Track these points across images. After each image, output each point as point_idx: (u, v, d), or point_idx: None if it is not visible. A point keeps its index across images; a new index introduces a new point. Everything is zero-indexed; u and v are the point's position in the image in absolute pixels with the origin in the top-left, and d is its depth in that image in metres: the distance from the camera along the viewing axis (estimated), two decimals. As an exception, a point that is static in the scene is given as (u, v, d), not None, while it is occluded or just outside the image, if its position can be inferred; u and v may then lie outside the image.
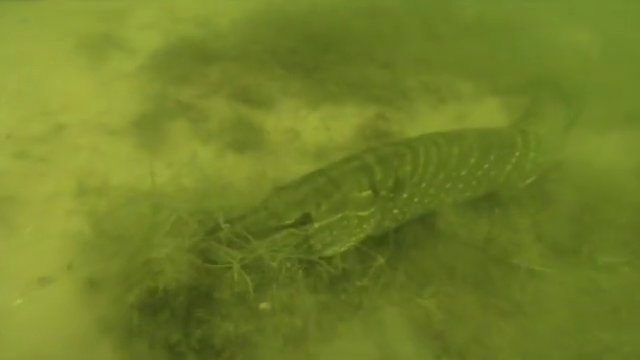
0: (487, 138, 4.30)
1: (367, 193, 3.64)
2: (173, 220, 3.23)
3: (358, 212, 3.61)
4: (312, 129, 5.64)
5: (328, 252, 3.55)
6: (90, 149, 4.86)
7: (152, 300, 3.23)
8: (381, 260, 3.53)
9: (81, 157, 4.77)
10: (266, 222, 3.35)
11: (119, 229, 3.51)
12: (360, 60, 6.61)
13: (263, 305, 3.34)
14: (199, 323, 3.30)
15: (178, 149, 4.93)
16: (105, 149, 4.90)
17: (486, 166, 4.24)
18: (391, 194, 3.74)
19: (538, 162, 4.67)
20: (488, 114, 6.61)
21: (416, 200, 3.86)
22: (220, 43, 6.76)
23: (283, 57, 6.49)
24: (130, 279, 3.20)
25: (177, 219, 3.33)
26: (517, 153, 4.45)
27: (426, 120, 6.31)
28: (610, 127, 5.97)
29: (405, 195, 3.79)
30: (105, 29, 7.14)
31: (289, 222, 3.41)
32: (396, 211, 3.81)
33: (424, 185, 3.88)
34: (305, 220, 3.43)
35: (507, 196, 4.56)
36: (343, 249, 3.60)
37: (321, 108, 5.98)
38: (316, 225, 3.47)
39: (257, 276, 3.24)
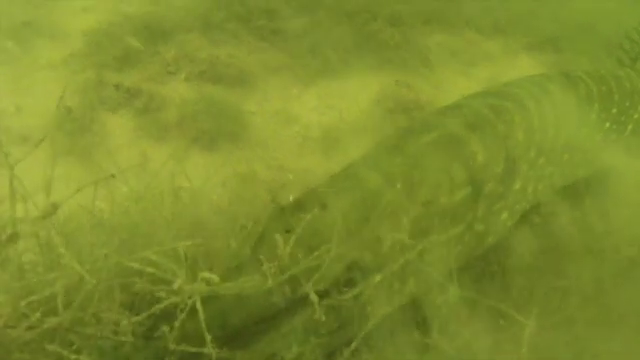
0: (605, 81, 2.75)
1: (465, 192, 2.02)
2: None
3: (449, 229, 1.98)
4: (311, 110, 4.10)
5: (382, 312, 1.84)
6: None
7: None
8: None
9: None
10: (266, 297, 1.64)
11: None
12: (359, 17, 5.14)
13: None
14: None
15: (119, 154, 3.30)
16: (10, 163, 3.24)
17: (607, 125, 2.69)
18: (501, 187, 2.12)
19: None
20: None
21: (530, 190, 2.27)
22: (175, 15, 5.27)
23: (258, 24, 5.11)
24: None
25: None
26: None
27: (455, 88, 5.01)
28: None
29: (518, 184, 2.19)
30: (28, 16, 5.72)
31: (322, 286, 1.70)
32: (505, 215, 2.18)
33: (542, 161, 2.31)
34: (352, 275, 1.74)
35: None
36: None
37: (318, 83, 4.64)
38: (376, 279, 1.79)
39: None
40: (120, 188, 2.57)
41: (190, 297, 1.43)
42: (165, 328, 1.44)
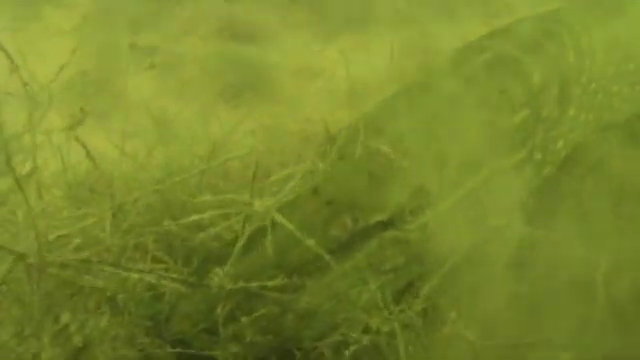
0: None
1: (524, 114, 1.90)
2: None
3: (508, 158, 1.85)
4: (334, 64, 3.95)
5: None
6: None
7: None
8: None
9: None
10: (325, 230, 1.51)
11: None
12: (380, -30, 4.91)
13: None
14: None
15: (139, 111, 3.16)
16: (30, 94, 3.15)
17: None
18: (557, 111, 1.99)
19: None
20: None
21: (582, 118, 2.14)
22: (188, -26, 5.01)
23: (275, -20, 4.82)
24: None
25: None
26: None
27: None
28: None
29: (573, 110, 2.06)
30: (35, -16, 5.60)
31: (385, 215, 1.56)
32: (561, 144, 2.06)
33: (593, 87, 2.17)
34: (417, 203, 1.59)
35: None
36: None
37: (340, 38, 4.42)
38: (442, 207, 1.67)
39: None
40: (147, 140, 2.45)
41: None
42: (218, 270, 1.31)
